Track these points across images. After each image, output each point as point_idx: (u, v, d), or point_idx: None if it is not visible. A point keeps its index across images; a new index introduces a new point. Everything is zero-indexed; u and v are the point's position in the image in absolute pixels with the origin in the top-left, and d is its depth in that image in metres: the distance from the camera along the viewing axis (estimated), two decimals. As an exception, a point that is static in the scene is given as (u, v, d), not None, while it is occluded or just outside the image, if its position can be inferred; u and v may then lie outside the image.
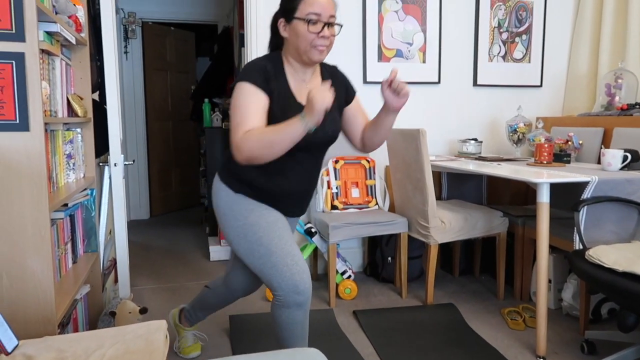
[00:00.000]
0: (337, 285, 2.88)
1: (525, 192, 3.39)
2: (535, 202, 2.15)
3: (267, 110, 1.53)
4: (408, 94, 1.50)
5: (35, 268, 1.49)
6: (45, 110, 1.62)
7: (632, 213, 2.21)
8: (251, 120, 1.47)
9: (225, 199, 1.65)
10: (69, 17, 1.97)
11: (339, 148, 3.10)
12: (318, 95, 1.36)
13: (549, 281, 2.63)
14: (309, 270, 1.60)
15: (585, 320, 2.35)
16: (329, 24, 1.53)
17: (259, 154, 1.42)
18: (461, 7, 3.36)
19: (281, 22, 1.59)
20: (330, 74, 1.71)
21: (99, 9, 2.39)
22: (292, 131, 1.40)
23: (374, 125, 1.64)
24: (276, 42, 1.66)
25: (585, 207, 2.15)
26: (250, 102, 1.49)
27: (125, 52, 4.86)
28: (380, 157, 3.24)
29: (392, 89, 1.50)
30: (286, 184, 1.63)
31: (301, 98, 1.60)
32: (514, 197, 3.39)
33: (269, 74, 1.54)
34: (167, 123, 5.28)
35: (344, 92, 1.72)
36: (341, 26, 1.59)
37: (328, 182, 3.01)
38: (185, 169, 5.57)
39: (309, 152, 1.63)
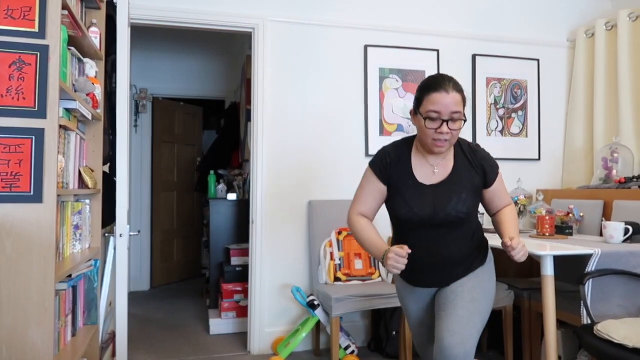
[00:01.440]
0: (340, 360, 2.79)
1: (529, 264, 3.37)
2: (540, 274, 2.14)
3: (382, 193, 1.74)
4: (521, 255, 1.59)
5: (35, 340, 1.47)
6: (58, 182, 1.68)
7: (638, 286, 2.19)
8: (362, 203, 1.76)
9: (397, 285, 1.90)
10: (87, 94, 2.08)
11: (342, 219, 3.13)
12: (390, 261, 1.54)
13: (559, 357, 2.55)
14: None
15: (599, 400, 2.25)
16: (450, 120, 1.59)
17: (354, 236, 1.75)
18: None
19: (411, 111, 1.72)
20: (469, 152, 1.74)
21: (114, 87, 2.53)
22: (372, 251, 1.69)
23: (498, 227, 1.77)
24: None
25: (591, 280, 2.14)
26: (366, 186, 1.77)
27: (135, 125, 5.03)
28: (383, 227, 3.26)
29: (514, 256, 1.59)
30: (417, 258, 1.68)
31: (422, 179, 1.70)
32: (518, 269, 3.36)
33: (390, 160, 1.72)
34: (172, 193, 5.36)
35: (481, 174, 1.73)
36: (465, 120, 1.63)
37: (331, 254, 3.01)
38: (188, 239, 5.57)
39: (433, 230, 1.69)
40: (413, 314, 1.86)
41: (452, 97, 1.58)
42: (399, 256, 1.52)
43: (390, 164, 1.71)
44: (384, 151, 1.75)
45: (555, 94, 3.72)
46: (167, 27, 3.15)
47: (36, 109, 1.49)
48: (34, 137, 1.49)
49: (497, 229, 1.75)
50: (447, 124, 1.58)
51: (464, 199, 1.66)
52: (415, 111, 1.67)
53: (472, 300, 1.65)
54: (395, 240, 1.79)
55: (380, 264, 3.04)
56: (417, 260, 1.68)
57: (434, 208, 1.65)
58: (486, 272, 1.76)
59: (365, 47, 3.33)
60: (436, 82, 1.60)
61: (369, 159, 3.27)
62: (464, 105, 1.63)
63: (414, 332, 1.90)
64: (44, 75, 1.49)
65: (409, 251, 1.54)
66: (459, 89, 1.61)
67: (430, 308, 1.81)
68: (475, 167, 1.72)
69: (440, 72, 3.46)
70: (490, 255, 1.82)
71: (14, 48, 1.48)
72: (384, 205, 1.80)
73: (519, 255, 1.57)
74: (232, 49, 5.19)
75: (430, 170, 1.70)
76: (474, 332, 1.59)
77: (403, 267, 1.53)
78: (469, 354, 1.55)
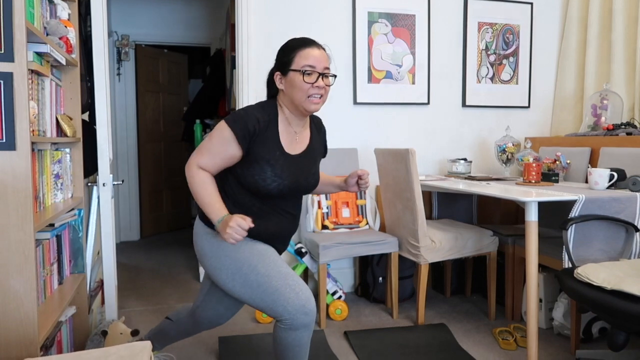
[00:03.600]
0: (327, 306, 2.85)
1: (515, 212, 3.41)
2: (525, 221, 2.16)
3: (233, 159, 1.61)
4: (367, 188, 1.80)
5: (17, 288, 1.47)
6: (33, 130, 1.62)
7: (619, 231, 2.22)
8: (209, 159, 1.60)
9: (211, 240, 1.65)
10: (60, 38, 1.98)
11: (330, 167, 3.11)
12: (231, 230, 1.48)
13: (540, 300, 2.62)
14: (310, 291, 1.60)
15: (576, 340, 2.33)
16: (324, 75, 1.61)
17: (191, 188, 1.62)
18: (449, 30, 3.42)
19: (277, 75, 1.66)
20: (317, 127, 1.83)
21: (90, 31, 2.42)
22: (208, 211, 1.57)
23: (324, 184, 1.88)
24: (270, 95, 1.74)
25: (574, 225, 2.16)
26: (219, 146, 1.59)
27: (118, 74, 4.89)
28: (371, 176, 3.25)
29: (359, 184, 1.78)
30: (270, 226, 1.68)
31: (288, 149, 1.67)
32: (504, 216, 3.40)
33: (258, 129, 1.58)
34: (159, 144, 5.29)
35: (323, 146, 1.87)
36: (335, 76, 1.66)
37: (319, 202, 3.01)
38: (177, 190, 5.55)
39: (293, 198, 1.73)
40: (267, 249, 1.66)
41: (323, 54, 1.63)
42: (242, 228, 1.48)
43: (258, 133, 1.58)
44: (252, 116, 1.58)
45: (547, 40, 3.64)
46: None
47: (2, 51, 1.41)
48: (2, 81, 1.42)
49: (325, 186, 1.90)
50: (322, 79, 1.61)
51: (317, 167, 1.78)
52: (285, 72, 1.62)
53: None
54: (240, 206, 1.64)
55: (363, 211, 3.06)
56: (273, 228, 1.68)
57: (298, 178, 1.66)
58: None
59: (354, -11, 3.19)
60: (306, 40, 1.65)
61: (357, 106, 3.27)
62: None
63: (281, 274, 1.60)
64: (8, 16, 1.41)
65: (252, 225, 1.51)
66: (323, 48, 1.66)
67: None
68: (321, 138, 1.84)
69: (431, 16, 3.35)
70: None
71: (-26, -15, 1.39)
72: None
73: (366, 180, 1.79)
74: (216, -7, 4.98)
75: (293, 138, 1.69)
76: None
77: (241, 239, 1.49)
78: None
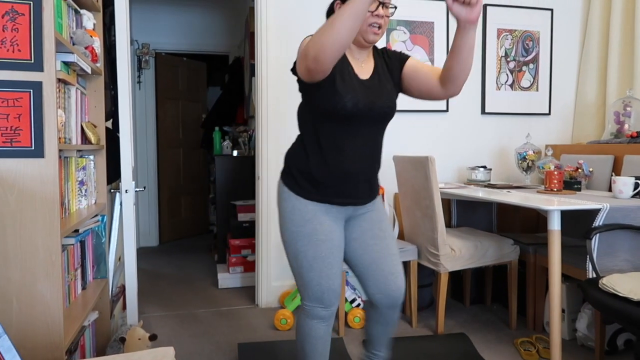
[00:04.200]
0: (346, 313, 2.84)
1: (536, 220, 3.36)
2: (547, 229, 2.13)
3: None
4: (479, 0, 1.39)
5: (44, 293, 1.50)
6: (60, 138, 1.66)
7: (645, 241, 2.18)
8: None
9: (287, 203, 1.68)
10: (86, 47, 2.03)
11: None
12: None
13: (563, 311, 2.58)
14: (338, 291, 1.67)
15: (600, 352, 2.29)
16: (383, 4, 1.59)
17: (320, 42, 1.37)
18: (468, 37, 3.40)
19: (337, 3, 1.65)
20: (382, 53, 1.74)
21: (114, 40, 2.46)
22: (352, 3, 1.36)
23: (453, 52, 1.52)
24: None
25: (598, 235, 2.13)
26: None
27: (139, 82, 4.97)
28: (389, 184, 3.24)
29: (459, 1, 1.40)
30: (345, 161, 1.61)
31: (360, 74, 1.64)
32: (524, 224, 3.35)
33: None
34: (178, 150, 5.35)
35: (398, 65, 1.71)
36: (395, 7, 1.64)
37: (337, 209, 3.00)
38: (195, 196, 5.60)
39: (366, 126, 1.62)
40: (327, 240, 1.63)
41: None
42: None
43: None
44: None
45: (568, 46, 3.60)
46: (166, -23, 3.04)
47: (32, 61, 1.45)
48: (32, 90, 1.46)
49: (451, 54, 1.54)
50: (382, 7, 1.58)
51: (390, 90, 1.67)
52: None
53: (392, 236, 1.76)
54: (317, 142, 1.62)
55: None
56: (340, 165, 1.60)
57: (371, 98, 1.60)
58: (381, 203, 1.82)
59: (372, -3, 3.20)
60: None
61: (376, 114, 3.26)
62: None
63: (321, 270, 1.63)
64: (38, 26, 1.45)
65: None
66: None
67: (342, 235, 1.70)
68: (391, 62, 1.72)
69: (449, 23, 3.34)
70: None
71: (7, -3, 1.43)
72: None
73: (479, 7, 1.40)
74: (235, 1, 5.04)
75: (359, 65, 1.67)
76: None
77: None
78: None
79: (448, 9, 1.45)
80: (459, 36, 1.48)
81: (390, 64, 1.72)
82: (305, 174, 1.64)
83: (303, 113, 1.69)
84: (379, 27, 1.60)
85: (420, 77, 1.67)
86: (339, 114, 1.57)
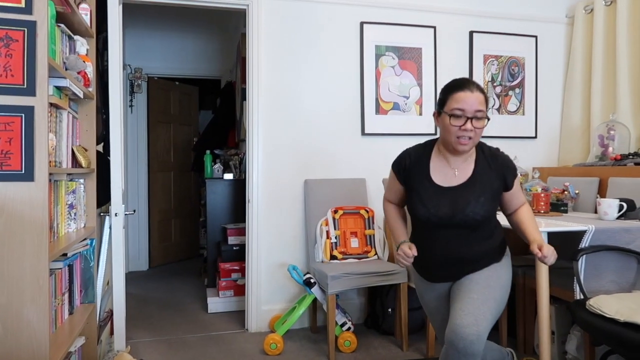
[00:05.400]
0: (336, 337, 2.82)
1: (524, 242, 3.38)
2: (534, 251, 2.15)
3: (402, 192, 1.88)
4: (552, 261, 1.65)
5: (31, 318, 1.48)
6: (50, 161, 1.67)
7: (631, 262, 2.21)
8: (389, 195, 1.94)
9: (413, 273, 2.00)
10: (78, 72, 2.05)
11: (340, 197, 3.13)
12: (398, 257, 1.76)
13: (553, 333, 2.58)
14: (463, 330, 1.58)
15: (591, 374, 2.29)
16: (474, 118, 1.65)
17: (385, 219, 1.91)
18: (455, 62, 3.49)
19: (435, 113, 1.77)
20: (490, 157, 1.78)
21: (107, 65, 2.50)
22: (394, 237, 1.89)
23: (518, 228, 1.83)
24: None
25: (584, 256, 2.15)
26: (391, 182, 1.91)
27: (131, 106, 5.00)
28: (379, 207, 3.26)
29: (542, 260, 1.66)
30: (433, 255, 1.79)
31: (440, 180, 1.75)
32: (513, 246, 3.35)
33: (409, 163, 1.81)
34: (169, 174, 5.35)
35: (502, 179, 1.76)
36: (488, 119, 1.69)
37: (327, 232, 3.02)
38: (185, 219, 5.58)
39: (452, 231, 1.74)
40: (431, 306, 1.93)
41: (476, 97, 1.65)
42: (406, 255, 1.73)
43: (409, 167, 1.80)
44: (406, 152, 1.84)
45: (553, 72, 3.69)
46: (159, 4, 3.10)
47: (25, 86, 1.47)
48: (23, 115, 1.47)
49: (518, 230, 1.82)
50: (471, 122, 1.63)
51: (482, 202, 1.70)
52: (439, 112, 1.72)
53: (487, 287, 1.69)
54: (414, 235, 1.87)
55: (371, 242, 3.06)
56: (433, 258, 1.78)
57: (452, 210, 1.70)
58: (503, 265, 1.80)
59: (362, 24, 3.28)
60: (461, 83, 1.68)
61: (365, 137, 3.31)
62: (486, 106, 1.69)
63: (434, 322, 1.97)
64: (32, 52, 1.47)
65: (415, 254, 1.73)
66: (482, 90, 1.69)
67: (447, 300, 1.85)
68: (496, 172, 1.75)
69: (437, 49, 3.42)
70: (507, 250, 1.87)
71: (1, 24, 1.45)
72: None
73: (551, 261, 1.65)
74: (227, 27, 5.12)
75: (451, 173, 1.75)
76: (487, 316, 1.60)
77: (409, 264, 1.74)
78: (482, 336, 1.56)
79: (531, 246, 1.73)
80: (527, 237, 1.77)
81: (496, 169, 1.76)
82: (417, 256, 1.80)
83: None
84: (469, 138, 1.66)
85: (505, 205, 1.85)
86: (417, 218, 1.79)
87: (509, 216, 1.87)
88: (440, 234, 1.75)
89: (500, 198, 1.80)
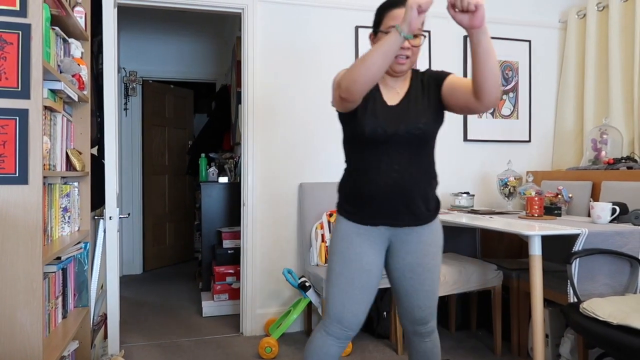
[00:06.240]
0: (331, 341, 2.81)
1: (518, 245, 3.40)
2: (528, 255, 2.17)
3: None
4: (479, 3, 1.36)
5: (24, 322, 1.47)
6: (44, 164, 1.66)
7: (624, 266, 2.22)
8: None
9: (336, 223, 1.78)
10: (73, 75, 2.05)
11: (333, 201, 3.14)
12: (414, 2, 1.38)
13: (546, 336, 2.59)
14: (360, 318, 1.68)
15: (584, 377, 2.30)
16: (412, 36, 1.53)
17: (352, 76, 1.47)
18: (450, 66, 3.51)
19: (371, 35, 1.70)
20: (421, 75, 1.73)
21: (101, 68, 2.49)
22: (385, 41, 1.44)
23: (473, 61, 1.50)
24: None
25: (578, 259, 2.17)
26: None
27: (125, 109, 4.98)
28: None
29: (459, 9, 1.39)
30: (371, 182, 1.63)
31: (389, 100, 1.67)
32: (507, 250, 3.39)
33: None
34: (163, 177, 5.34)
35: (436, 83, 1.69)
36: (425, 36, 1.62)
37: (322, 235, 3.02)
38: (180, 223, 5.56)
39: (394, 149, 1.62)
40: (354, 264, 1.67)
41: None
42: None
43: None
44: None
45: (546, 76, 3.72)
46: (155, 7, 3.10)
47: (19, 89, 1.47)
48: (17, 118, 1.47)
49: (472, 64, 1.52)
50: (408, 40, 1.56)
51: (421, 111, 1.63)
52: (375, 32, 1.65)
53: (431, 270, 1.71)
54: (350, 169, 1.72)
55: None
56: (373, 188, 1.62)
57: (397, 122, 1.61)
58: (438, 229, 1.75)
59: (357, 28, 3.30)
60: (395, 0, 1.59)
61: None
62: (422, 22, 1.57)
63: (348, 285, 1.67)
64: (26, 55, 1.47)
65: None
66: None
67: (378, 259, 1.71)
68: (429, 83, 1.69)
69: (432, 53, 3.44)
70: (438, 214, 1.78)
71: (-5, 27, 1.45)
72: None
73: (466, 1, 1.37)
74: (222, 31, 5.13)
75: (394, 92, 1.69)
76: (436, 303, 1.77)
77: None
78: (435, 325, 1.79)
79: (452, 17, 1.44)
80: (471, 43, 1.47)
81: (427, 84, 1.70)
82: (345, 196, 1.73)
83: (343, 142, 1.78)
84: (407, 57, 1.60)
85: (457, 93, 1.63)
86: (360, 139, 1.64)
87: (472, 87, 1.55)
88: (383, 155, 1.62)
89: (446, 102, 1.66)
